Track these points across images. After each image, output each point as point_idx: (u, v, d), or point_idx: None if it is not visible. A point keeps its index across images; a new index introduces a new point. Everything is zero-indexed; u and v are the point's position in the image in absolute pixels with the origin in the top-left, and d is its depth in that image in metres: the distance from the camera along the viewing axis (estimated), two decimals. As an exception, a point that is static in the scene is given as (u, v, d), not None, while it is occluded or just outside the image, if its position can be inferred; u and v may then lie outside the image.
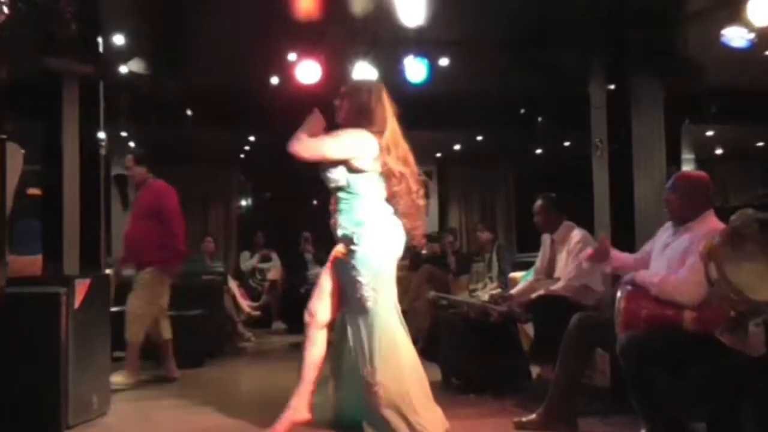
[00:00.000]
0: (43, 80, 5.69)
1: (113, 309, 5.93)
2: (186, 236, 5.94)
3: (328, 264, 3.99)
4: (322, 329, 3.93)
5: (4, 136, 3.79)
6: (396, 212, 3.92)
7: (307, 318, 3.98)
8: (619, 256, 4.12)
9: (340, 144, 3.86)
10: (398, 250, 3.92)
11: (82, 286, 4.27)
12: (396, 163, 3.91)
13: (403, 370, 3.78)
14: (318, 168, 3.90)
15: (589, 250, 4.23)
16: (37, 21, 5.37)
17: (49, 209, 5.61)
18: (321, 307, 3.96)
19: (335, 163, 3.86)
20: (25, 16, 4.54)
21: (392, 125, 3.98)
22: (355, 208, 3.87)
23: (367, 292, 3.79)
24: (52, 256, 5.45)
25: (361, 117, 3.90)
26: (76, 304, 4.12)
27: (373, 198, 3.88)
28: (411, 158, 4.00)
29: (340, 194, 3.90)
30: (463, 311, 5.47)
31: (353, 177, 3.87)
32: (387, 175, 3.91)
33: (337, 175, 3.87)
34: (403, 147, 3.99)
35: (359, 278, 3.80)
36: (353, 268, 3.82)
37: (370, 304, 3.78)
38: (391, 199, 3.92)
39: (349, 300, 3.83)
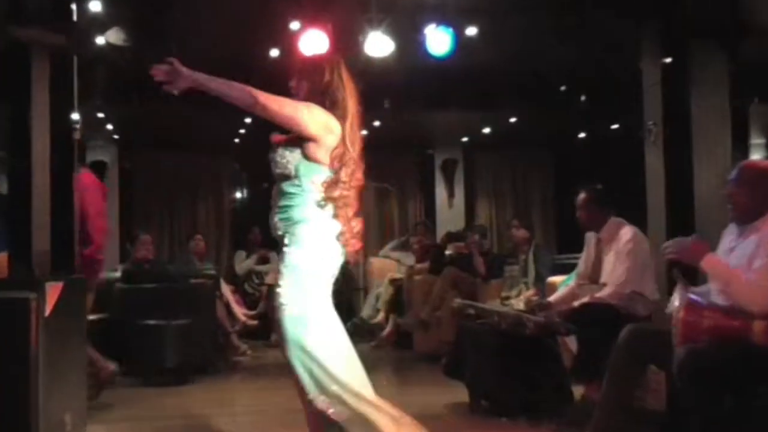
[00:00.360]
0: (8, 53, 5.71)
1: (91, 317, 6.00)
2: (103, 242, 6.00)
3: None
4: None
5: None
6: (335, 216, 3.87)
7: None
8: (717, 262, 3.77)
9: (314, 116, 3.78)
10: (337, 263, 3.89)
11: (53, 291, 4.31)
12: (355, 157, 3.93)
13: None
14: (270, 145, 3.84)
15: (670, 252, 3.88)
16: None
17: (15, 201, 5.64)
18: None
19: (293, 143, 3.79)
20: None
21: (354, 108, 3.94)
22: (297, 205, 3.80)
23: (285, 299, 3.74)
24: (19, 255, 5.49)
25: (325, 99, 3.86)
26: (47, 310, 4.16)
27: (318, 196, 3.83)
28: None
29: (285, 186, 3.82)
30: (494, 322, 5.48)
31: (306, 166, 3.80)
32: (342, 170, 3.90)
33: (292, 159, 3.80)
34: (360, 137, 4.01)
35: (283, 285, 3.75)
36: (281, 273, 3.76)
37: (287, 314, 3.74)
38: (337, 200, 3.87)
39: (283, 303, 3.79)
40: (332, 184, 3.83)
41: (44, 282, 4.33)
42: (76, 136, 6.02)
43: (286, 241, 3.76)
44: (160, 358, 6.56)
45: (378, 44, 7.20)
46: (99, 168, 11.37)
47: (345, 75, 3.95)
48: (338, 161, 3.87)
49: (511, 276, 7.89)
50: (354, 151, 3.97)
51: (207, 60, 8.05)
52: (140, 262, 8.10)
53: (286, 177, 3.80)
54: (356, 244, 4.00)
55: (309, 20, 7.18)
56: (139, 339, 7.14)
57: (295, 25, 7.24)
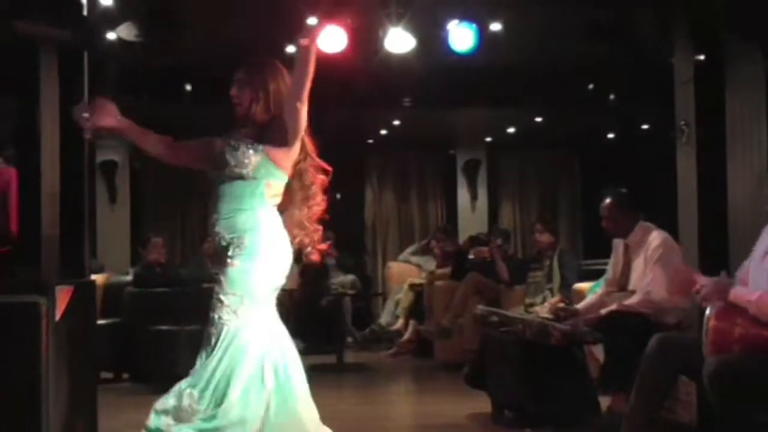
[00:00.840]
0: (16, 49, 5.76)
1: (101, 321, 6.06)
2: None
3: None
4: None
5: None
6: (285, 223, 3.86)
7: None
8: (740, 295, 3.73)
9: (303, 118, 3.83)
10: (284, 274, 3.86)
11: (63, 295, 4.36)
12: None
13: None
14: (229, 141, 3.81)
15: (698, 284, 3.85)
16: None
17: (24, 202, 5.69)
18: None
19: (255, 142, 3.78)
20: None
21: (306, 117, 3.89)
22: (248, 209, 3.76)
23: (226, 315, 3.71)
24: (27, 258, 5.54)
25: (277, 107, 3.84)
26: (57, 315, 4.21)
27: (272, 202, 3.82)
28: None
29: (235, 187, 3.76)
30: (518, 329, 5.49)
31: (266, 169, 3.78)
32: (299, 175, 3.93)
33: (254, 160, 3.76)
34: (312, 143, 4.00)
35: (223, 297, 3.72)
36: (220, 283, 3.73)
37: (225, 327, 3.71)
38: (287, 205, 3.89)
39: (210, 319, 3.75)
40: (289, 190, 3.87)
41: (54, 286, 4.38)
42: (87, 135, 6.07)
43: (231, 250, 3.71)
44: (172, 364, 6.56)
45: (398, 40, 7.23)
46: (109, 168, 11.46)
47: (289, 81, 3.89)
48: (295, 170, 3.91)
49: (534, 282, 7.89)
50: (313, 159, 4.02)
51: (219, 56, 8.15)
52: (152, 266, 8.16)
53: (240, 177, 3.76)
54: (316, 255, 4.05)
55: (327, 15, 7.19)
56: (151, 344, 7.19)
57: (312, 21, 7.26)
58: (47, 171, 5.47)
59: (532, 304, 7.55)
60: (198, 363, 3.74)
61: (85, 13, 6.03)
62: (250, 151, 3.77)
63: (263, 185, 3.79)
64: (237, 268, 3.72)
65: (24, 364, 3.79)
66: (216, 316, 3.72)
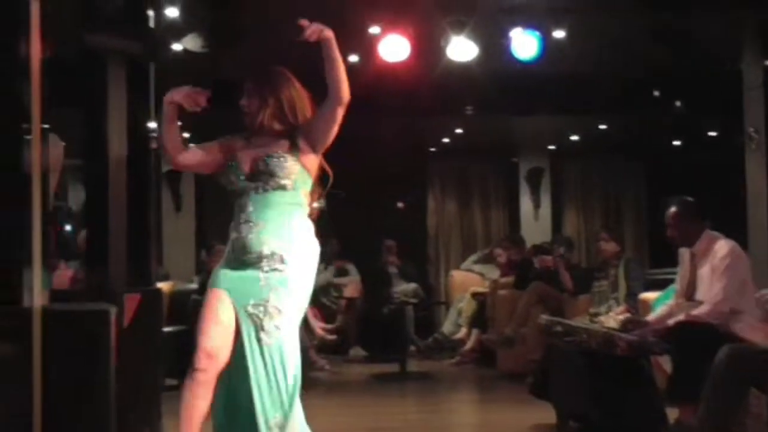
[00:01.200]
0: (84, 61, 5.87)
1: (166, 329, 6.14)
2: None
3: (219, 292, 3.78)
4: (216, 376, 3.75)
5: (46, 126, 3.96)
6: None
7: (202, 362, 3.73)
8: None
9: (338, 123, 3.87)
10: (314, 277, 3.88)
11: (131, 302, 4.43)
12: None
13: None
14: (266, 149, 3.82)
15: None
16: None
17: (92, 211, 5.80)
18: (223, 345, 3.75)
19: (292, 151, 3.81)
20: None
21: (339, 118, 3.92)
22: (288, 219, 3.80)
23: (284, 324, 3.73)
24: (95, 265, 5.64)
25: (294, 115, 3.85)
26: (125, 322, 4.29)
27: (306, 211, 3.89)
28: None
29: (277, 196, 3.80)
30: (583, 340, 5.44)
31: (302, 177, 3.84)
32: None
33: (294, 169, 3.80)
34: None
35: (280, 306, 3.72)
36: (275, 292, 3.73)
37: (283, 337, 3.74)
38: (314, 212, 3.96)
39: (259, 333, 3.74)
40: (312, 195, 3.92)
41: (122, 294, 4.46)
42: (154, 144, 6.17)
43: (277, 261, 3.71)
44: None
45: (461, 49, 7.23)
46: (174, 176, 11.62)
47: (300, 89, 3.91)
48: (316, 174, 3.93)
49: (599, 291, 7.82)
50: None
51: (283, 65, 8.22)
52: (216, 274, 8.23)
53: (281, 187, 3.78)
54: None
55: (389, 24, 7.24)
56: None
57: (374, 30, 7.31)
58: (114, 180, 5.57)
59: (596, 314, 7.47)
60: (257, 372, 3.73)
61: (151, 25, 6.14)
62: (290, 161, 3.80)
63: (301, 194, 3.85)
64: (292, 278, 3.74)
65: (93, 371, 3.85)
66: (273, 325, 3.72)
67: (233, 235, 3.81)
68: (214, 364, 3.73)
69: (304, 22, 3.74)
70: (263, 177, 3.78)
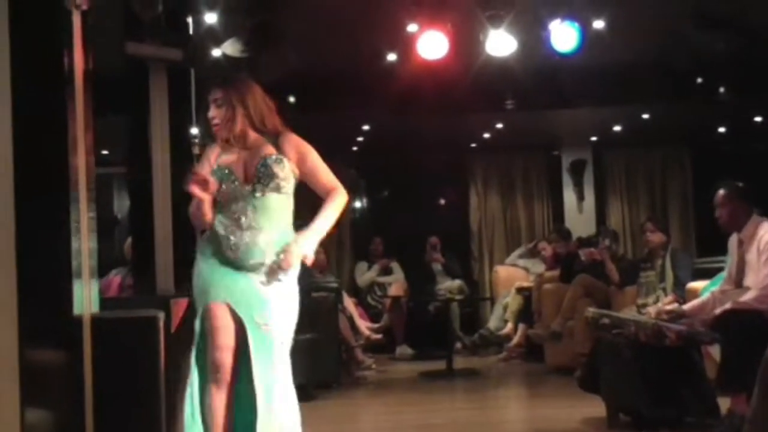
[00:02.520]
0: (127, 69, 5.95)
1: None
2: None
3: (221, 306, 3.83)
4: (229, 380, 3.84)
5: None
6: None
7: (219, 366, 3.82)
8: None
9: None
10: None
11: (178, 307, 4.48)
12: None
13: None
14: (262, 152, 3.89)
15: None
16: (119, 1, 5.66)
17: (138, 218, 5.87)
18: (232, 356, 3.84)
19: (282, 155, 3.90)
20: (106, -4, 4.79)
21: None
22: (284, 218, 3.89)
23: (280, 332, 3.82)
24: (142, 271, 5.72)
25: (261, 122, 3.92)
26: (173, 327, 4.34)
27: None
28: None
29: (272, 200, 3.86)
30: (631, 332, 5.41)
31: (293, 180, 3.94)
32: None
33: (290, 173, 3.89)
34: None
35: (291, 304, 3.86)
36: (286, 292, 3.84)
37: (287, 338, 3.84)
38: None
39: (267, 337, 3.80)
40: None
41: (169, 299, 4.51)
42: (196, 150, 6.24)
43: (280, 267, 3.79)
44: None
45: (500, 43, 7.20)
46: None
47: (262, 97, 3.96)
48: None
49: (646, 282, 7.76)
50: None
51: (323, 67, 8.28)
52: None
53: (278, 190, 3.85)
54: None
55: (427, 21, 7.23)
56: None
57: (412, 27, 7.31)
58: (159, 187, 5.66)
59: (644, 305, 7.43)
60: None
61: (191, 32, 6.20)
62: (286, 164, 3.87)
63: (291, 199, 3.94)
64: (290, 282, 3.87)
65: (143, 377, 3.90)
66: (273, 340, 3.80)
67: (230, 238, 3.81)
68: (228, 372, 3.82)
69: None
70: (263, 179, 3.84)
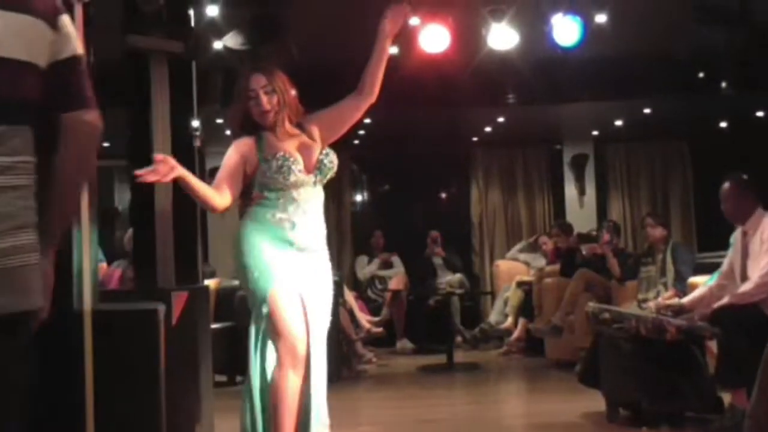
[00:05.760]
0: (128, 61, 5.93)
1: (214, 326, 6.20)
2: None
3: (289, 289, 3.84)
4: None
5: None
6: None
7: (300, 348, 3.79)
8: None
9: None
10: None
11: (179, 300, 4.49)
12: None
13: None
14: (317, 147, 3.97)
15: None
16: (119, -8, 5.64)
17: (138, 210, 5.86)
18: (307, 339, 3.85)
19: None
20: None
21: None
22: (321, 206, 3.98)
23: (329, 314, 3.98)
24: (143, 264, 5.71)
25: (297, 112, 4.00)
26: (173, 320, 4.35)
27: None
28: None
29: (319, 191, 3.96)
30: (631, 326, 5.41)
31: None
32: None
33: (336, 163, 3.99)
34: None
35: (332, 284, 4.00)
36: (329, 274, 3.98)
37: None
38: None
39: (320, 317, 3.89)
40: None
41: (170, 292, 4.52)
42: (197, 143, 6.23)
43: (323, 250, 3.94)
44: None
45: (502, 37, 7.20)
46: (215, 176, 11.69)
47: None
48: None
49: (647, 277, 7.76)
50: None
51: (323, 60, 8.27)
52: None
53: (321, 182, 3.94)
54: None
55: (429, 15, 7.23)
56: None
57: (414, 21, 7.30)
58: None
59: (645, 299, 7.43)
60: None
61: (192, 24, 6.18)
62: (333, 155, 3.97)
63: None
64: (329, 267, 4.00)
65: (143, 369, 3.91)
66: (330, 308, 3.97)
67: (294, 223, 3.84)
68: (305, 356, 3.82)
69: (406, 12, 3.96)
70: (324, 170, 3.92)
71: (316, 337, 3.83)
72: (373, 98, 3.99)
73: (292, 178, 3.83)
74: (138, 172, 3.55)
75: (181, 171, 3.65)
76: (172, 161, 3.62)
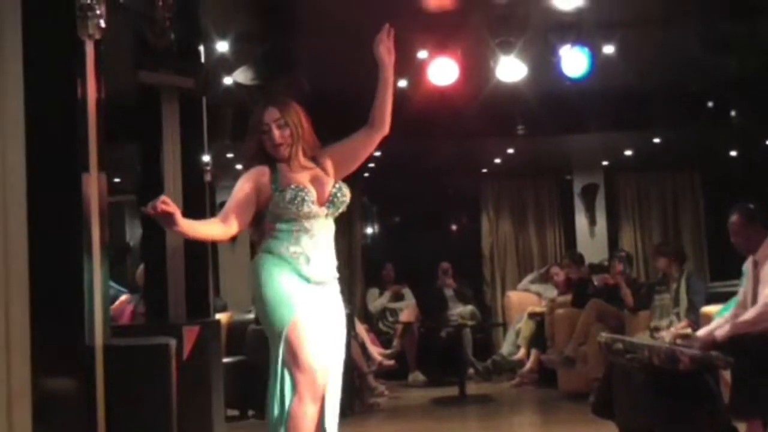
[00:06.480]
0: (139, 97, 5.98)
1: (225, 359, 6.20)
2: None
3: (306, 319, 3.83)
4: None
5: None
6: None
7: (319, 380, 3.79)
8: None
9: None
10: None
11: (190, 335, 4.50)
12: None
13: None
14: (330, 181, 3.95)
15: None
16: (131, 30, 5.70)
17: (150, 246, 5.89)
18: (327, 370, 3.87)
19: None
20: (118, 25, 4.83)
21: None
22: (332, 239, 3.98)
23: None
24: (154, 299, 5.73)
25: (313, 144, 4.00)
26: (185, 355, 4.35)
27: None
28: None
29: (331, 223, 3.96)
30: (644, 356, 5.38)
31: None
32: None
33: (348, 197, 3.98)
34: None
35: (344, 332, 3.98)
36: (342, 306, 3.98)
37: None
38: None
39: (336, 350, 3.92)
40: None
41: (181, 326, 4.53)
42: (207, 177, 6.26)
43: (335, 282, 3.93)
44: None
45: (510, 69, 7.23)
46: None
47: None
48: None
49: (661, 305, 7.71)
50: None
51: (332, 93, 8.32)
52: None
53: (332, 215, 3.94)
54: None
55: (437, 48, 7.27)
56: (275, 381, 7.29)
57: (422, 54, 7.34)
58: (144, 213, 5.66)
59: (657, 328, 7.40)
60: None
61: (202, 60, 6.24)
62: (346, 189, 3.96)
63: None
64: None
65: (155, 403, 3.92)
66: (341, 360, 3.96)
67: (308, 256, 3.84)
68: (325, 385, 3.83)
69: (387, 31, 3.92)
70: (337, 203, 3.91)
71: (332, 370, 3.83)
72: (385, 131, 3.98)
73: (305, 209, 3.83)
74: (145, 208, 3.54)
75: (177, 219, 3.57)
76: (173, 208, 3.56)
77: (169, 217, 3.52)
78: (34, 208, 3.61)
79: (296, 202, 3.82)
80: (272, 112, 3.92)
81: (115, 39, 4.45)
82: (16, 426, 3.44)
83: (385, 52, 3.92)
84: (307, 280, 3.82)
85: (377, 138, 4.00)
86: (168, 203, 3.50)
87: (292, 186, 3.85)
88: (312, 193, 3.86)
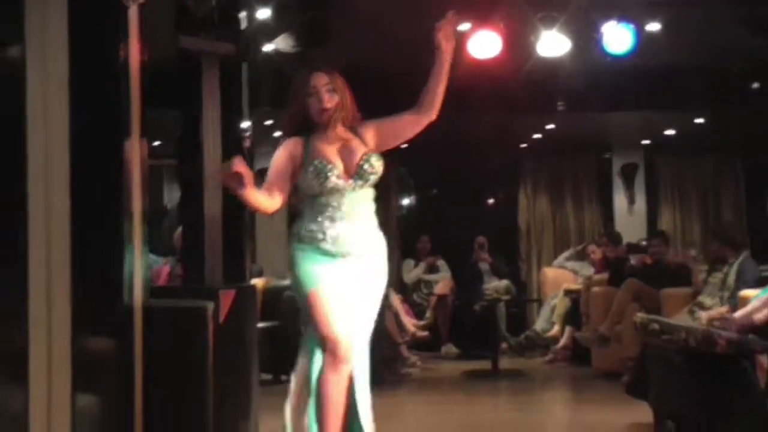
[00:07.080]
0: (179, 63, 5.99)
1: (260, 324, 6.24)
2: None
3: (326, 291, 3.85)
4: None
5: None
6: None
7: (340, 349, 3.82)
8: None
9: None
10: None
11: (226, 298, 4.53)
12: None
13: None
14: (363, 155, 3.91)
15: None
16: (171, -4, 5.71)
17: (188, 209, 5.92)
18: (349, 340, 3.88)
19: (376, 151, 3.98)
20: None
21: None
22: (372, 215, 3.98)
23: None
24: (191, 263, 5.77)
25: (353, 116, 3.98)
26: (221, 318, 4.38)
27: None
28: None
29: (367, 194, 3.94)
30: (681, 338, 5.35)
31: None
32: None
33: (381, 169, 3.94)
34: None
35: (376, 298, 3.97)
36: (382, 277, 3.97)
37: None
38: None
39: (362, 322, 3.92)
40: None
41: (218, 290, 4.56)
42: (246, 144, 6.28)
43: (370, 255, 3.90)
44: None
45: (552, 44, 7.17)
46: (264, 176, 11.78)
47: None
48: None
49: (713, 282, 7.60)
50: None
51: (374, 64, 8.29)
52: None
53: (371, 184, 3.92)
54: None
55: (479, 21, 7.22)
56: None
57: (464, 26, 7.29)
58: (209, 179, 5.70)
59: (701, 303, 7.32)
60: None
61: (243, 26, 6.24)
62: (378, 161, 3.93)
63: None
64: (379, 270, 3.97)
65: (191, 366, 3.95)
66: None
67: (325, 231, 3.85)
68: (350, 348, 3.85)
69: (450, 18, 3.88)
70: (364, 176, 3.88)
71: (356, 340, 3.85)
72: (432, 116, 3.95)
73: (329, 185, 3.83)
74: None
75: (248, 181, 3.66)
76: (247, 172, 3.63)
77: (241, 178, 3.59)
78: (76, 167, 3.63)
79: (320, 177, 3.83)
80: (321, 76, 3.92)
81: (157, 4, 4.46)
82: (54, 383, 3.49)
83: (444, 38, 3.88)
84: (328, 254, 3.84)
85: (425, 121, 3.97)
86: (243, 164, 3.61)
87: (316, 161, 3.85)
88: (337, 168, 3.85)
